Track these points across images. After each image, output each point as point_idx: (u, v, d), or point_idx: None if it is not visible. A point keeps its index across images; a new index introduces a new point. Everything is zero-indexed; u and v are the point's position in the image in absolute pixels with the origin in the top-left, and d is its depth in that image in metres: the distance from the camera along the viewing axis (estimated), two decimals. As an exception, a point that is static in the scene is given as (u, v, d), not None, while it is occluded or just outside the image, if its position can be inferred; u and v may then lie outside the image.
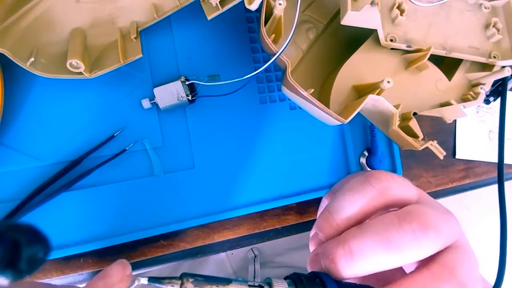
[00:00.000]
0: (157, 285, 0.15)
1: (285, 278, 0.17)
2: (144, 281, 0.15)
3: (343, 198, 0.19)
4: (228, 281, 0.15)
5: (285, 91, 0.26)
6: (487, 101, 0.34)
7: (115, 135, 0.27)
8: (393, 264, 0.17)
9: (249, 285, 0.16)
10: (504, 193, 0.32)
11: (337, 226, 0.19)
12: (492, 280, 0.22)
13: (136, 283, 0.17)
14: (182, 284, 0.15)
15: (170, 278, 0.15)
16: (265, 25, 0.24)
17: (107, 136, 0.27)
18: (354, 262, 0.16)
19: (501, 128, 0.33)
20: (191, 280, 0.15)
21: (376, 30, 0.26)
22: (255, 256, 0.50)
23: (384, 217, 0.17)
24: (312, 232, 0.21)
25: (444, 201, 0.27)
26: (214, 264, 0.51)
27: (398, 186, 0.19)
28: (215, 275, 0.49)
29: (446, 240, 0.17)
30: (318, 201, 0.28)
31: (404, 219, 0.17)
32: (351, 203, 0.19)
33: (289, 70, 0.24)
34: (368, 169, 0.33)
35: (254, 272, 0.49)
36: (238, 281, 0.16)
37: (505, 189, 0.32)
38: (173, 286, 0.15)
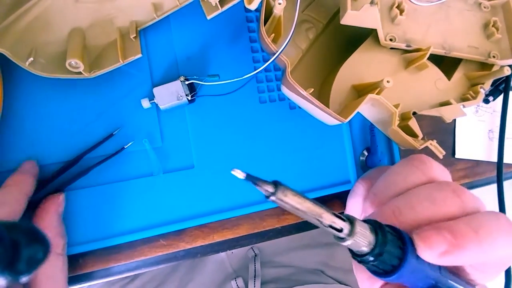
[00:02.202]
0: (251, 183, 0.15)
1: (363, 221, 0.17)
2: (240, 175, 0.15)
3: (391, 179, 0.21)
4: (317, 203, 0.15)
5: (285, 90, 0.26)
6: (486, 101, 0.34)
7: (114, 133, 0.27)
8: (441, 215, 0.18)
9: (334, 213, 0.15)
10: (503, 191, 0.32)
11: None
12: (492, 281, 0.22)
13: None
14: (276, 188, 0.15)
15: (264, 181, 0.15)
16: (264, 25, 0.24)
17: (106, 136, 0.27)
18: (403, 217, 0.18)
19: (502, 126, 0.33)
20: (286, 187, 0.15)
21: (375, 29, 0.26)
22: (255, 255, 0.50)
23: (425, 185, 0.20)
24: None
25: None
26: (214, 263, 0.51)
27: (438, 167, 0.21)
28: (215, 274, 0.49)
29: (480, 206, 0.19)
30: (318, 200, 0.28)
31: (445, 184, 0.19)
32: (396, 184, 0.21)
33: (288, 69, 0.24)
34: (368, 168, 0.33)
35: (255, 271, 0.49)
36: (323, 207, 0.15)
37: (504, 187, 0.32)
38: (267, 189, 0.15)
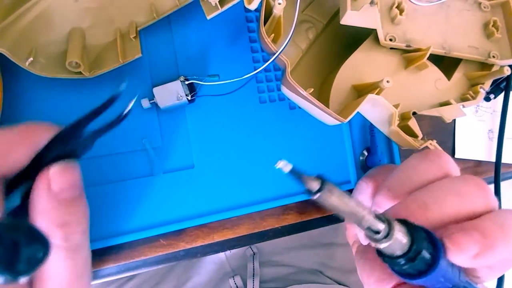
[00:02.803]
0: (295, 178, 0.14)
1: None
2: (286, 168, 0.14)
3: (407, 173, 0.21)
4: (360, 203, 0.15)
5: (285, 90, 0.26)
6: (487, 98, 0.34)
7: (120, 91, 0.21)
8: (467, 210, 0.18)
9: (375, 214, 0.15)
10: (499, 190, 0.32)
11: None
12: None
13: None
14: (322, 185, 0.14)
15: (309, 176, 0.14)
16: (264, 25, 0.24)
17: (106, 136, 0.27)
18: (429, 212, 0.17)
19: (502, 124, 0.33)
20: (332, 186, 0.14)
21: (375, 29, 0.26)
22: (254, 254, 0.50)
23: (447, 179, 0.19)
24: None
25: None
26: (211, 262, 0.51)
27: (453, 162, 0.21)
28: (212, 273, 0.49)
29: (496, 202, 0.19)
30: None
31: (468, 178, 0.19)
32: (412, 178, 0.20)
33: (288, 69, 0.24)
34: (368, 168, 0.33)
35: (254, 270, 0.49)
36: (367, 210, 0.15)
37: (501, 186, 0.32)
38: (312, 185, 0.14)
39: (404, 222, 0.16)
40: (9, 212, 0.16)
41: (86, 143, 0.20)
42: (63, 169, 0.17)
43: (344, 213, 0.14)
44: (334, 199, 0.14)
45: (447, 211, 0.18)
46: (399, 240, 0.15)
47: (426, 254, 0.15)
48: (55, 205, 0.17)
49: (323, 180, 0.14)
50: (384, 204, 0.20)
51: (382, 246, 0.15)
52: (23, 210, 0.17)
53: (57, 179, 0.17)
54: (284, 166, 0.14)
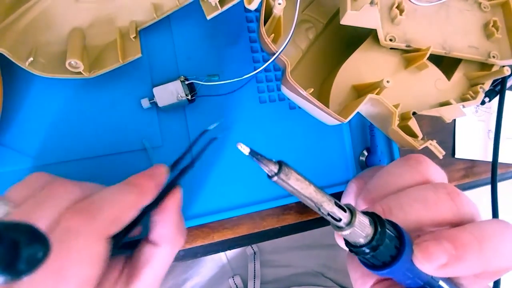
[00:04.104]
0: (254, 160, 0.15)
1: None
2: (245, 151, 0.15)
3: (386, 177, 0.21)
4: (322, 190, 0.15)
5: (285, 90, 0.26)
6: (482, 102, 0.34)
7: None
8: (431, 218, 0.18)
9: (336, 203, 0.15)
10: (496, 192, 0.32)
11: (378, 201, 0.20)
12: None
13: None
14: (280, 168, 0.15)
15: (269, 160, 0.15)
16: (264, 25, 0.24)
17: (106, 136, 0.27)
18: (393, 216, 0.18)
19: (498, 127, 0.33)
20: (290, 169, 0.15)
21: (375, 29, 0.26)
22: (255, 253, 0.50)
23: (419, 186, 0.19)
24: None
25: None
26: (211, 261, 0.51)
27: (434, 168, 0.21)
28: (213, 273, 0.49)
29: (475, 211, 0.19)
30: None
31: (440, 186, 0.19)
32: (390, 182, 0.20)
33: (288, 69, 0.24)
34: (368, 168, 0.33)
35: (254, 271, 0.49)
36: (327, 195, 0.15)
37: (498, 187, 0.32)
38: (270, 168, 0.15)
39: (371, 215, 0.16)
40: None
41: (184, 173, 0.24)
42: (181, 192, 0.23)
43: (303, 198, 0.15)
44: (291, 182, 0.15)
45: (410, 218, 0.18)
46: (361, 228, 0.15)
47: (390, 245, 0.16)
48: (180, 218, 0.22)
49: (281, 164, 0.15)
50: (363, 206, 0.21)
51: (344, 233, 0.15)
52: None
53: (181, 199, 0.22)
54: (244, 149, 0.15)
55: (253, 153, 0.15)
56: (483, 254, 0.16)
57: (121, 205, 0.19)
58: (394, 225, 0.17)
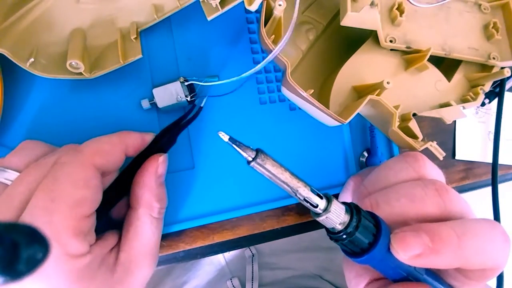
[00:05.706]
0: (233, 146, 0.16)
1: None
2: (225, 138, 0.16)
3: (382, 173, 0.21)
4: (297, 176, 0.16)
5: (285, 91, 0.26)
6: (482, 103, 0.34)
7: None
8: (416, 212, 0.18)
9: (312, 190, 0.16)
10: (497, 191, 0.32)
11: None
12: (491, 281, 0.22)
13: None
14: (257, 155, 0.16)
15: (247, 146, 0.16)
16: (265, 26, 0.24)
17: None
18: (379, 210, 0.19)
19: (497, 128, 0.33)
20: (267, 156, 0.16)
21: (375, 31, 0.26)
22: (253, 255, 0.50)
23: (408, 182, 0.20)
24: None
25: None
26: (209, 263, 0.50)
27: (430, 166, 0.21)
28: (211, 275, 0.49)
29: (465, 209, 0.19)
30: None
31: (429, 182, 0.19)
32: (385, 178, 0.21)
33: (288, 70, 0.24)
34: (367, 167, 0.33)
35: (252, 273, 0.48)
36: (303, 181, 0.16)
37: (499, 189, 0.32)
38: (248, 154, 0.16)
39: (349, 205, 0.17)
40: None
41: (171, 140, 0.25)
42: (164, 159, 0.23)
43: (279, 183, 0.16)
44: (268, 167, 0.16)
45: (395, 211, 0.18)
46: (337, 214, 0.16)
47: (366, 232, 0.17)
48: (158, 184, 0.23)
49: (258, 151, 0.16)
50: (358, 201, 0.21)
51: (320, 219, 0.16)
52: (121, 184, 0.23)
53: (161, 165, 0.23)
54: (223, 136, 0.16)
55: (232, 140, 0.16)
56: (461, 250, 0.16)
57: (104, 141, 0.21)
58: (373, 215, 0.18)
